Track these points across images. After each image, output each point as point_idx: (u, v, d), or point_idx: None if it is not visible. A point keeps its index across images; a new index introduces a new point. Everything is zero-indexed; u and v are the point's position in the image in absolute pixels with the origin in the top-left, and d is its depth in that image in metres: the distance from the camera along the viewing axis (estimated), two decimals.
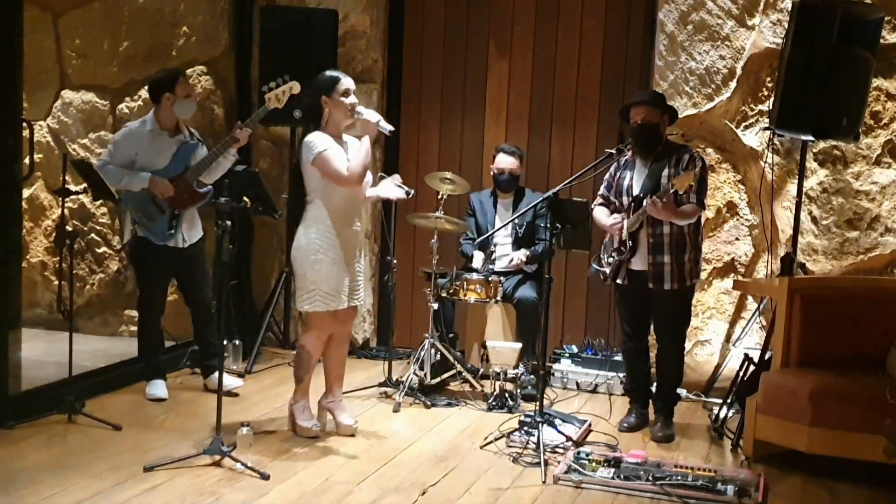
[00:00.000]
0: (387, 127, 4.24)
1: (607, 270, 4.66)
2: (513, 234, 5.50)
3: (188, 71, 5.91)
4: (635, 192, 4.53)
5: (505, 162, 5.46)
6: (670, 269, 4.48)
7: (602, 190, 4.76)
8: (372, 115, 4.23)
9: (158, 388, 4.94)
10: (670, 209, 4.35)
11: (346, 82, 4.24)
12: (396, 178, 4.53)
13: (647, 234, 4.50)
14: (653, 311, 4.65)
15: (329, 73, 4.30)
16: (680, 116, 4.84)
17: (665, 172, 4.46)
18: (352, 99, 4.24)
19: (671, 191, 4.29)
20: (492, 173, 5.53)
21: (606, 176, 4.73)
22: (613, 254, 4.62)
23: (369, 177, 4.35)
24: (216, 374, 4.92)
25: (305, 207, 4.27)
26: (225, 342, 5.29)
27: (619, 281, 4.64)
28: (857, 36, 4.47)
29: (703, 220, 4.78)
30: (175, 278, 5.13)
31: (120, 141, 4.81)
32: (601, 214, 4.70)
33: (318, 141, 4.17)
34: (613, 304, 5.20)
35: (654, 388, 4.79)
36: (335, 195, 4.22)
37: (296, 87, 4.54)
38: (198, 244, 5.00)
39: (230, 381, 5.09)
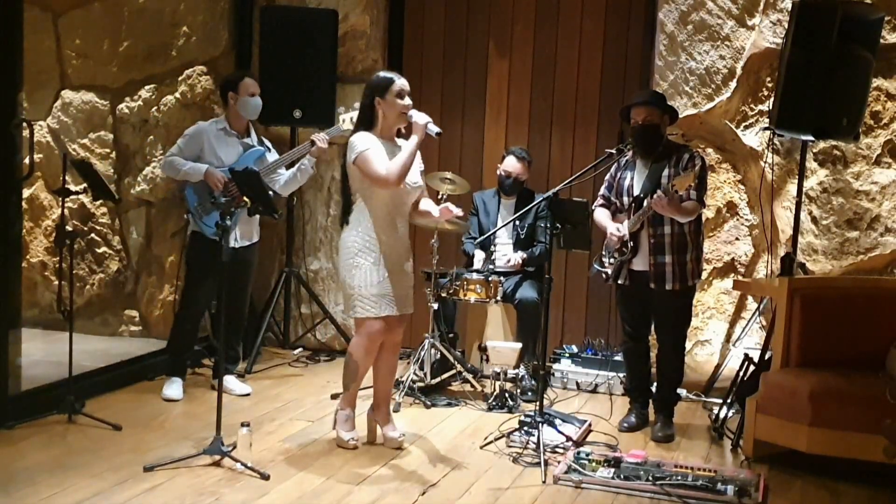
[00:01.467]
0: (434, 129, 4.10)
1: (609, 271, 4.66)
2: (513, 236, 5.50)
3: (188, 71, 5.92)
4: (636, 192, 4.53)
5: (513, 166, 5.45)
6: (672, 270, 4.48)
7: (603, 190, 4.77)
8: (421, 118, 4.09)
9: (175, 387, 4.94)
10: (674, 205, 4.36)
11: (401, 83, 4.07)
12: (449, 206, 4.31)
13: (649, 235, 4.50)
14: (654, 311, 4.65)
15: (383, 73, 4.17)
16: (680, 116, 4.83)
17: (665, 172, 4.46)
18: (406, 101, 4.08)
19: (672, 190, 4.29)
20: (497, 174, 5.53)
21: (607, 176, 4.73)
22: (615, 254, 4.62)
23: (420, 180, 4.22)
24: (227, 377, 4.95)
25: (350, 209, 4.18)
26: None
27: (620, 281, 4.65)
28: (857, 36, 4.47)
29: (703, 219, 4.79)
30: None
31: (191, 135, 4.93)
32: (602, 215, 4.70)
33: (360, 141, 4.05)
34: (614, 304, 5.20)
35: (654, 388, 4.80)
36: (377, 197, 4.07)
37: None
38: (250, 248, 5.05)
39: (241, 388, 5.10)
